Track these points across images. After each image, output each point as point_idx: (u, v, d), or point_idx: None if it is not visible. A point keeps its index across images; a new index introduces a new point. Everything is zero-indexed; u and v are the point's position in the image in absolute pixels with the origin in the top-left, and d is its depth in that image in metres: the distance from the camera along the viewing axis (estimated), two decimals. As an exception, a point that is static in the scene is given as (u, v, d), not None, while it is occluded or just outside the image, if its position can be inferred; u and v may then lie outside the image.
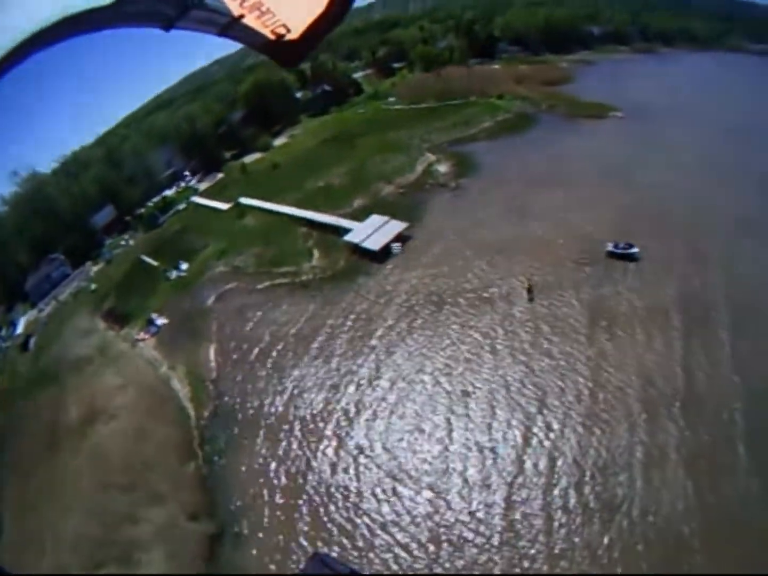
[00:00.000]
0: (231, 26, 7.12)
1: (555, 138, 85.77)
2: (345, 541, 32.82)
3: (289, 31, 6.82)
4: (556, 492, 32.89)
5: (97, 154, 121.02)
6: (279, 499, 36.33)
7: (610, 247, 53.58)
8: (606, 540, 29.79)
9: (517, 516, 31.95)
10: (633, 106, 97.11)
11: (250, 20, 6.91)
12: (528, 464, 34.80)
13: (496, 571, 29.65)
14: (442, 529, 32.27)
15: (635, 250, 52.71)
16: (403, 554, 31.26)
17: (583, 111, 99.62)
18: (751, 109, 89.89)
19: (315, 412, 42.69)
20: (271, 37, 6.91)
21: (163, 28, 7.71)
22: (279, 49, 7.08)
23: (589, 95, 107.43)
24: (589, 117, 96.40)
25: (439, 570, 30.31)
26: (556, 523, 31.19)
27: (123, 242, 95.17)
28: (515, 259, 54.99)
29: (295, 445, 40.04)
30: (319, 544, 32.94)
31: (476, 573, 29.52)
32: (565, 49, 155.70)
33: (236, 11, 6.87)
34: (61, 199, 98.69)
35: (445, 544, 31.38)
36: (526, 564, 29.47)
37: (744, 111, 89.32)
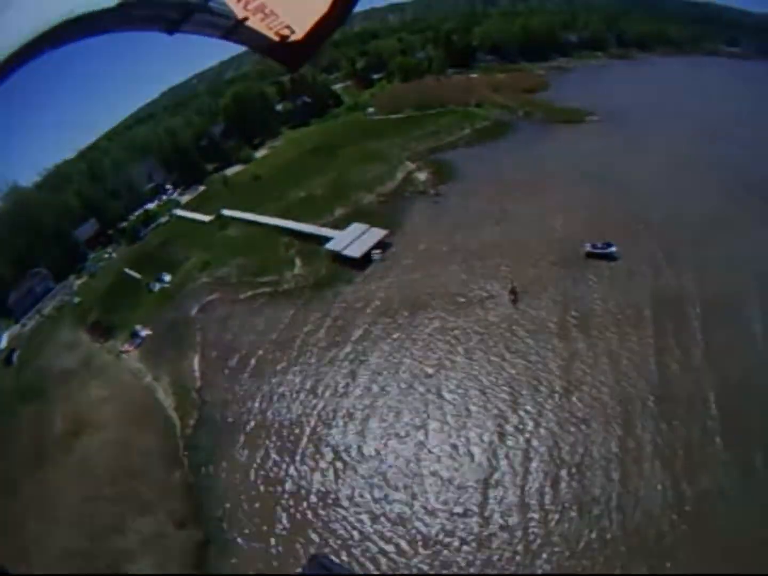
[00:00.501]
0: (235, 29, 7.55)
1: (532, 143, 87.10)
2: (327, 544, 33.30)
3: (293, 32, 7.25)
4: (532, 490, 33.63)
5: (79, 168, 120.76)
6: (264, 505, 36.85)
7: (588, 247, 54.59)
8: (584, 536, 30.47)
9: (495, 516, 32.62)
10: (609, 110, 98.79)
11: (254, 23, 7.33)
12: (504, 463, 35.55)
13: (473, 571, 30.35)
14: (419, 531, 32.85)
15: (613, 249, 53.74)
16: (381, 558, 31.83)
17: (560, 116, 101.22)
18: (726, 111, 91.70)
19: (295, 418, 43.37)
20: (276, 39, 7.34)
21: (166, 32, 8.15)
22: (283, 51, 7.50)
23: (565, 101, 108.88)
24: (565, 122, 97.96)
25: (415, 571, 30.97)
26: (533, 521, 31.89)
27: (106, 255, 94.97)
28: (495, 263, 55.89)
29: (277, 451, 40.69)
30: (298, 546, 33.49)
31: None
32: (542, 57, 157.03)
33: (240, 14, 7.29)
34: (44, 213, 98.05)
35: (420, 545, 31.98)
36: (503, 563, 30.13)
37: (718, 113, 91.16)
